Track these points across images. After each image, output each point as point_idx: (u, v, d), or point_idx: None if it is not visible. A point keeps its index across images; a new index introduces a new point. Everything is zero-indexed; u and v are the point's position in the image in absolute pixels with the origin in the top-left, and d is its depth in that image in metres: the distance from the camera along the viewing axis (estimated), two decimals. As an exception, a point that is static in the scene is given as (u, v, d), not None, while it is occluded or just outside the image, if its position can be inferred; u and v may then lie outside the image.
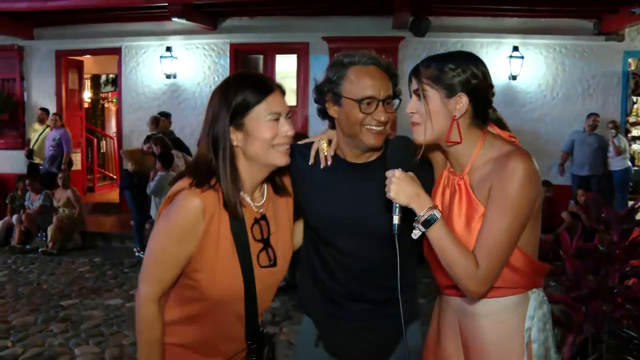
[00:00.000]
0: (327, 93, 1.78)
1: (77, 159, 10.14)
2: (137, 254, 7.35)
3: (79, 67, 10.52)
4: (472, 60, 1.61)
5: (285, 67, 10.13)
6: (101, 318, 5.06)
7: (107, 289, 5.96)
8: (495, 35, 9.04)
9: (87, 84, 12.36)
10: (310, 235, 1.90)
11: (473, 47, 9.19)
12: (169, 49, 9.39)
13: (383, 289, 1.82)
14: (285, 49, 9.83)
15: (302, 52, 9.63)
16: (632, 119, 10.73)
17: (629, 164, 8.79)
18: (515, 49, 8.82)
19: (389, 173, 1.58)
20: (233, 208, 1.57)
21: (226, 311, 1.65)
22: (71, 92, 10.33)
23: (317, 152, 1.87)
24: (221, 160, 1.56)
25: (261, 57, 10.01)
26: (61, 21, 9.55)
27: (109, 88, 13.41)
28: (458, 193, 1.64)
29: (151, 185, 6.89)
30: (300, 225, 1.94)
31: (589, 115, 8.41)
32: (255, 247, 1.65)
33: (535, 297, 1.64)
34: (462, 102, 1.58)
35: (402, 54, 9.19)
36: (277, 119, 1.59)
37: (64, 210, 7.96)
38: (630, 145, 9.34)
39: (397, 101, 1.79)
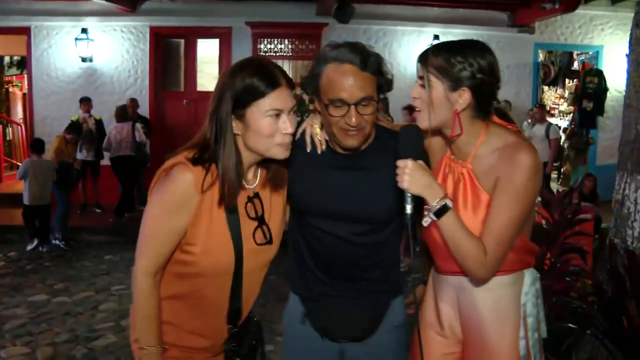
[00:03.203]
0: (309, 85, 1.73)
1: (-20, 147, 9.42)
2: (58, 243, 7.01)
3: (-19, 47, 9.73)
4: (482, 53, 1.59)
5: (208, 53, 9.90)
6: (26, 316, 4.74)
7: (29, 285, 5.58)
8: (417, 23, 9.31)
9: (-11, 66, 11.47)
10: (298, 218, 1.88)
11: (395, 35, 9.43)
12: (84, 30, 8.87)
13: (372, 270, 1.84)
14: (208, 33, 9.62)
15: (224, 37, 9.45)
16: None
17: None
18: (436, 37, 9.11)
19: (400, 163, 1.57)
20: (230, 198, 1.57)
21: (216, 287, 1.65)
22: (-28, 74, 9.54)
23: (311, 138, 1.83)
24: (222, 145, 1.56)
25: (182, 41, 9.73)
26: (-41, -4, 8.77)
27: (14, 71, 12.50)
28: (462, 182, 1.66)
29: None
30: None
31: (499, 103, 8.86)
32: (250, 225, 1.66)
33: (530, 273, 1.72)
34: (464, 96, 1.58)
35: (326, 40, 9.21)
36: (277, 115, 1.55)
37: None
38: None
39: (373, 104, 1.67)
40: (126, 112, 8.11)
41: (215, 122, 1.56)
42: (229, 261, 1.62)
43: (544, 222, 3.11)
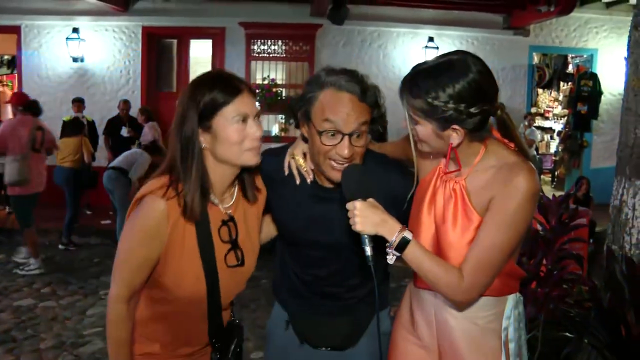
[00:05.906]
0: (299, 108, 1.66)
1: (-31, 147, 9.28)
2: (64, 248, 7.00)
3: (-30, 46, 9.60)
4: (463, 75, 1.42)
5: (200, 53, 9.83)
6: (12, 321, 4.63)
7: (16, 289, 5.47)
8: (411, 25, 9.26)
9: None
10: (284, 239, 1.88)
11: (390, 36, 9.38)
12: (75, 30, 8.77)
13: (358, 287, 1.82)
14: (201, 33, 9.53)
15: (218, 37, 9.37)
16: (534, 110, 11.39)
17: (534, 152, 9.37)
18: (431, 39, 9.07)
19: (349, 206, 1.51)
20: (192, 213, 1.55)
21: (191, 311, 1.67)
22: (-39, 73, 9.41)
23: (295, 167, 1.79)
24: (189, 163, 1.55)
25: (175, 41, 9.64)
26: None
27: (4, 70, 12.35)
28: (453, 199, 1.56)
29: None
30: (269, 219, 1.90)
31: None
32: (222, 248, 1.65)
33: (513, 297, 1.62)
34: (458, 132, 1.47)
35: (320, 41, 9.22)
36: (244, 120, 1.55)
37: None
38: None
39: (366, 136, 1.63)
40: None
41: (180, 139, 1.55)
42: (201, 292, 1.62)
43: (540, 228, 3.04)
